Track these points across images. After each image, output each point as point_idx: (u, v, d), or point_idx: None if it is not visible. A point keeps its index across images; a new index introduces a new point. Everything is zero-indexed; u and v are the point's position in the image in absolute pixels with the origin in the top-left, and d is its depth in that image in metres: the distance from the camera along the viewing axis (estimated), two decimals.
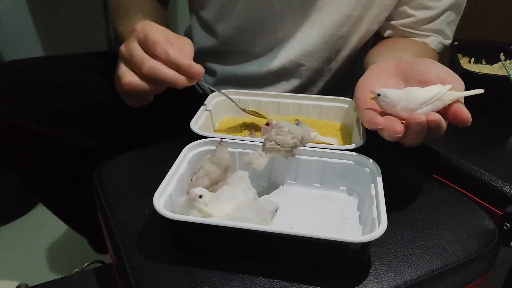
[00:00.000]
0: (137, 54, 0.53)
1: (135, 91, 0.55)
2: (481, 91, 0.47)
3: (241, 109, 0.63)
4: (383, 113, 0.50)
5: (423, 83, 0.50)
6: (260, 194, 0.54)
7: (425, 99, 0.47)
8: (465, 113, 0.46)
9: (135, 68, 0.54)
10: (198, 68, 0.54)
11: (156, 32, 0.54)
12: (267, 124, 0.55)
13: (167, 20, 0.80)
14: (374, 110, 0.50)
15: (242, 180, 0.47)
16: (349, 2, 0.71)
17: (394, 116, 0.49)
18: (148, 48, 0.53)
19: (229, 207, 0.44)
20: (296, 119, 0.56)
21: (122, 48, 0.56)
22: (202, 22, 0.80)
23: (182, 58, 0.53)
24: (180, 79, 0.53)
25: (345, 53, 0.78)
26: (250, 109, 0.64)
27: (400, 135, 0.46)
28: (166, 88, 0.56)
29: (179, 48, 0.55)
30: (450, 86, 0.47)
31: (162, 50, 0.52)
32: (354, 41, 0.76)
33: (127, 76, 0.54)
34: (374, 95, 0.49)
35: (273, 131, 0.51)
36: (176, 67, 0.53)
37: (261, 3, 0.71)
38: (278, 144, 0.50)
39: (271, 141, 0.50)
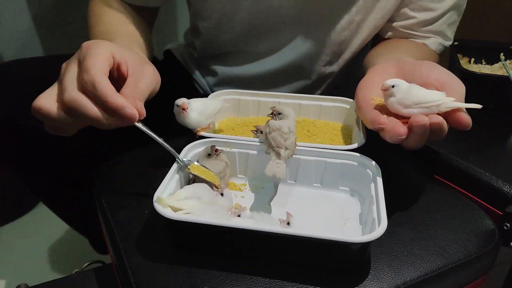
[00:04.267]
0: (66, 78, 0.44)
1: (45, 120, 0.45)
2: (479, 106, 0.48)
3: (186, 169, 0.51)
4: (384, 114, 0.50)
5: (423, 85, 0.50)
6: (259, 195, 0.54)
7: (420, 101, 0.47)
8: (465, 117, 0.47)
9: (59, 93, 0.44)
10: (132, 112, 0.43)
11: (98, 56, 0.44)
12: (256, 131, 0.55)
13: (151, 41, 0.72)
14: (376, 110, 0.50)
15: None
16: (351, 7, 0.71)
17: (397, 113, 0.49)
18: (80, 74, 0.43)
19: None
20: (272, 108, 0.54)
21: (63, 65, 0.46)
22: (203, 30, 0.80)
23: (111, 96, 0.42)
24: (104, 121, 0.43)
25: (346, 56, 0.78)
26: (196, 164, 0.52)
27: (403, 137, 0.46)
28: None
29: (134, 78, 0.46)
30: (452, 99, 0.47)
31: (89, 80, 0.42)
32: (355, 45, 0.76)
33: (43, 99, 0.44)
34: (386, 87, 0.49)
35: (276, 135, 0.50)
36: (103, 104, 0.42)
37: (265, 9, 0.71)
38: (289, 149, 0.51)
39: (282, 148, 0.50)
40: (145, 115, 0.45)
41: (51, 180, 0.81)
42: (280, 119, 0.52)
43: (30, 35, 1.18)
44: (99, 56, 0.44)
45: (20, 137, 0.72)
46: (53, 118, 0.44)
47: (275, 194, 0.54)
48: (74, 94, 0.42)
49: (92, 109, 0.42)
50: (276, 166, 0.48)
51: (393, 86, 0.49)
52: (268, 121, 0.53)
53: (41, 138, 0.72)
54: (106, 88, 0.42)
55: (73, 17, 1.18)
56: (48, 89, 0.46)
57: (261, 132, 0.54)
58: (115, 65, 0.46)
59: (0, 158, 0.78)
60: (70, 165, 0.78)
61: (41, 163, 0.77)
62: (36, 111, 0.44)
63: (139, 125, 0.47)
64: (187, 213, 0.44)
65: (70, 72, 0.44)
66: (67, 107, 0.43)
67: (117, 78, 0.47)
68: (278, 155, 0.49)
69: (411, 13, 0.71)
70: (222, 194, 0.49)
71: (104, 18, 0.66)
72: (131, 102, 0.44)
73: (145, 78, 0.48)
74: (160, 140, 0.49)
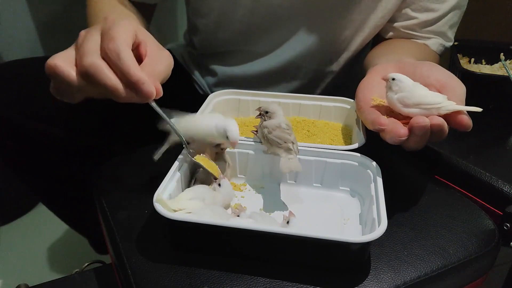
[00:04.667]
0: (88, 44, 0.43)
1: (58, 79, 0.44)
2: (479, 109, 0.48)
3: (192, 158, 0.52)
4: (385, 114, 0.50)
5: (424, 86, 0.50)
6: (259, 195, 0.54)
7: (421, 102, 0.47)
8: (466, 119, 0.47)
9: (78, 57, 0.43)
10: (150, 89, 0.42)
11: (124, 29, 0.44)
12: (256, 131, 0.55)
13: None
14: (377, 111, 0.50)
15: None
16: (353, 7, 0.70)
17: (395, 109, 0.49)
18: (104, 42, 0.43)
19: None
20: (258, 108, 0.54)
21: (82, 32, 0.46)
22: (202, 27, 0.80)
23: (134, 68, 0.42)
24: (120, 90, 0.42)
25: (346, 55, 0.77)
26: (202, 155, 0.52)
27: (404, 138, 0.46)
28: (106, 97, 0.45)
29: (152, 59, 0.46)
30: (453, 103, 0.47)
31: (114, 49, 0.42)
32: (356, 44, 0.76)
33: (59, 58, 0.43)
34: (387, 78, 0.49)
35: (279, 132, 0.51)
36: (123, 75, 0.42)
37: (264, 8, 0.71)
38: (295, 143, 0.51)
39: (290, 142, 0.50)
40: (161, 95, 0.45)
41: (51, 180, 0.81)
42: (269, 117, 0.52)
43: (30, 35, 1.18)
44: (124, 29, 0.44)
45: (20, 137, 0.72)
46: (66, 79, 0.43)
47: (279, 193, 0.54)
48: (95, 59, 0.42)
49: (112, 77, 0.42)
50: (289, 161, 0.49)
51: (393, 79, 0.48)
52: (261, 122, 0.53)
53: (41, 138, 0.72)
54: (130, 60, 0.42)
55: (73, 17, 1.18)
56: (63, 51, 0.45)
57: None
58: (135, 43, 0.46)
59: (0, 158, 0.78)
60: (70, 165, 0.78)
61: (41, 163, 0.77)
62: (50, 69, 0.43)
63: (153, 104, 0.46)
64: (188, 213, 0.44)
65: (92, 39, 0.44)
66: (85, 71, 0.42)
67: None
68: (289, 150, 0.50)
69: (413, 14, 0.71)
70: (219, 185, 0.49)
71: (104, 14, 0.66)
72: (150, 80, 0.43)
73: (162, 62, 0.47)
74: (170, 122, 0.49)
